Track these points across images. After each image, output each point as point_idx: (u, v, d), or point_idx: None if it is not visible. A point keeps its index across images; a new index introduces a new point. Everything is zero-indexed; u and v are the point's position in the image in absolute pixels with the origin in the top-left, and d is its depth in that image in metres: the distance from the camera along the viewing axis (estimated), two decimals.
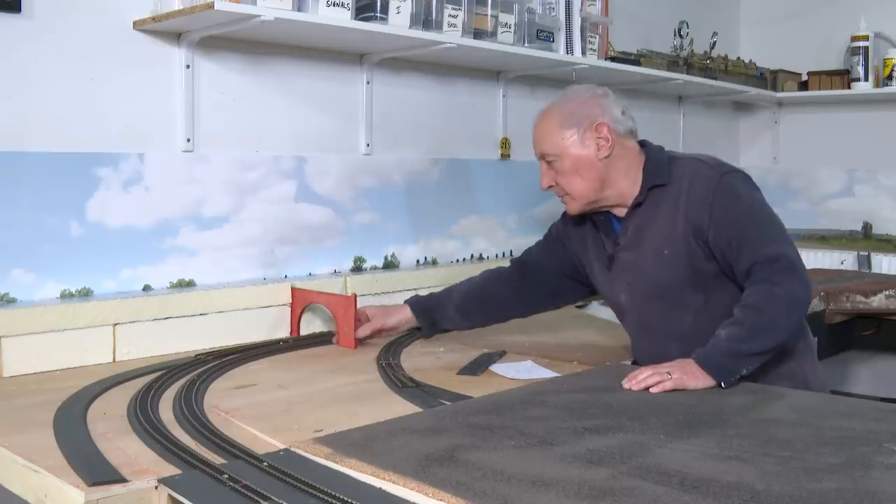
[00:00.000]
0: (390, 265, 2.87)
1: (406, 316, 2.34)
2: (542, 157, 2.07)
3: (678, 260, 1.97)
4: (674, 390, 1.75)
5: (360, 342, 2.31)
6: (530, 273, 2.32)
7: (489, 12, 2.74)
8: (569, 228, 2.24)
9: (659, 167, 2.03)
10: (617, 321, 2.54)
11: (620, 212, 2.07)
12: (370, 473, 1.29)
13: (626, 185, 2.03)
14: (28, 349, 1.99)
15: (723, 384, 1.78)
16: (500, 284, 2.35)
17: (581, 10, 3.06)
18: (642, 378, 1.78)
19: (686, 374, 1.78)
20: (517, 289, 2.32)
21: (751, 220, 1.92)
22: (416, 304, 2.35)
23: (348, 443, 1.42)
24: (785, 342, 1.89)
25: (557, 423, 1.53)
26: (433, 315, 2.34)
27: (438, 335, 2.43)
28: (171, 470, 1.36)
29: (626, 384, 1.79)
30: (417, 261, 2.96)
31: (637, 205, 2.03)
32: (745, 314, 1.84)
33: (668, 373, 1.78)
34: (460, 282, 2.41)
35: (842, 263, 4.05)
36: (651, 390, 1.75)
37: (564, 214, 2.27)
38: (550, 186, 2.07)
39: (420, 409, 1.70)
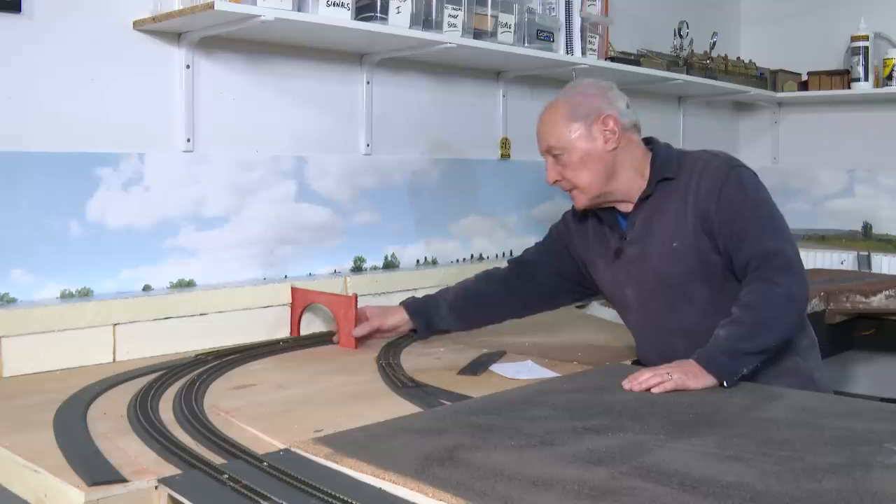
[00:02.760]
0: (390, 265, 2.87)
1: (403, 317, 2.32)
2: (547, 150, 2.05)
3: (687, 252, 1.97)
4: (675, 391, 1.76)
5: (359, 342, 2.31)
6: (527, 273, 2.31)
7: (489, 12, 2.74)
8: (570, 228, 2.24)
9: (668, 160, 2.04)
10: (617, 321, 2.54)
11: (626, 207, 2.07)
12: (370, 473, 1.29)
13: (632, 179, 2.04)
14: (28, 349, 1.99)
15: (725, 383, 1.78)
16: (495, 284, 2.34)
17: (581, 10, 3.06)
18: (643, 379, 1.78)
19: (687, 375, 1.78)
20: (513, 288, 2.32)
21: (753, 215, 1.92)
22: (410, 304, 2.35)
23: (348, 443, 1.42)
24: (784, 339, 1.89)
25: (557, 423, 1.53)
26: (427, 315, 2.33)
27: (439, 336, 2.43)
28: (171, 470, 1.36)
29: (626, 385, 1.79)
30: (417, 261, 2.96)
31: (645, 198, 2.04)
32: (744, 313, 1.84)
33: (669, 374, 1.78)
34: (458, 283, 2.41)
35: (842, 263, 4.05)
36: (652, 391, 1.75)
37: (565, 215, 2.26)
38: (557, 181, 2.06)
39: (420, 409, 1.70)
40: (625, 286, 2.10)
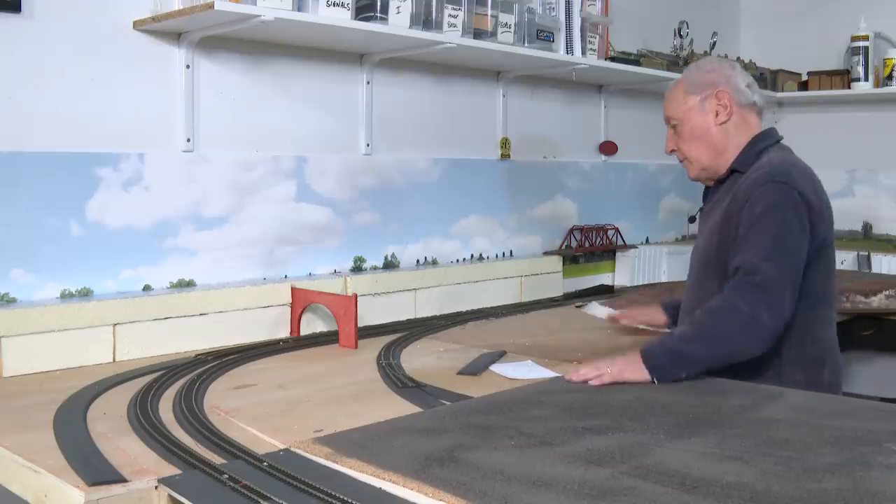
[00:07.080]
0: (390, 265, 2.87)
1: (665, 318, 2.41)
2: (667, 121, 2.17)
3: (714, 244, 2.02)
4: (613, 383, 1.79)
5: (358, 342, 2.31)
6: None
7: (489, 12, 2.74)
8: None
9: (749, 155, 2.07)
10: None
11: None
12: (370, 473, 1.29)
13: (734, 157, 2.09)
14: (28, 349, 1.99)
15: (655, 381, 1.81)
16: None
17: (581, 10, 3.06)
18: (582, 373, 1.84)
19: (625, 367, 1.82)
20: None
21: (759, 228, 1.91)
22: (667, 306, 2.43)
23: (348, 443, 1.42)
24: (734, 358, 1.85)
25: (557, 423, 1.53)
26: (674, 314, 2.39)
27: (438, 335, 2.45)
28: (171, 470, 1.36)
29: (571, 378, 1.84)
30: (417, 261, 2.96)
31: (721, 181, 2.12)
32: (702, 317, 1.88)
33: (609, 367, 1.82)
34: None
35: (842, 263, 4.03)
36: (590, 383, 1.80)
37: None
38: (672, 150, 2.17)
39: (420, 409, 1.70)
40: (693, 252, 2.19)
